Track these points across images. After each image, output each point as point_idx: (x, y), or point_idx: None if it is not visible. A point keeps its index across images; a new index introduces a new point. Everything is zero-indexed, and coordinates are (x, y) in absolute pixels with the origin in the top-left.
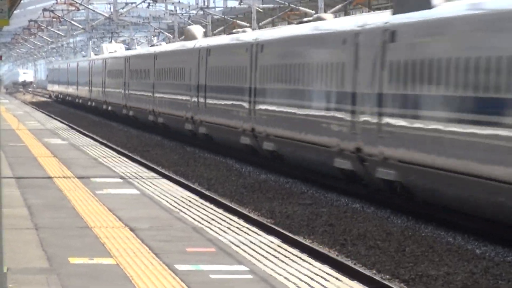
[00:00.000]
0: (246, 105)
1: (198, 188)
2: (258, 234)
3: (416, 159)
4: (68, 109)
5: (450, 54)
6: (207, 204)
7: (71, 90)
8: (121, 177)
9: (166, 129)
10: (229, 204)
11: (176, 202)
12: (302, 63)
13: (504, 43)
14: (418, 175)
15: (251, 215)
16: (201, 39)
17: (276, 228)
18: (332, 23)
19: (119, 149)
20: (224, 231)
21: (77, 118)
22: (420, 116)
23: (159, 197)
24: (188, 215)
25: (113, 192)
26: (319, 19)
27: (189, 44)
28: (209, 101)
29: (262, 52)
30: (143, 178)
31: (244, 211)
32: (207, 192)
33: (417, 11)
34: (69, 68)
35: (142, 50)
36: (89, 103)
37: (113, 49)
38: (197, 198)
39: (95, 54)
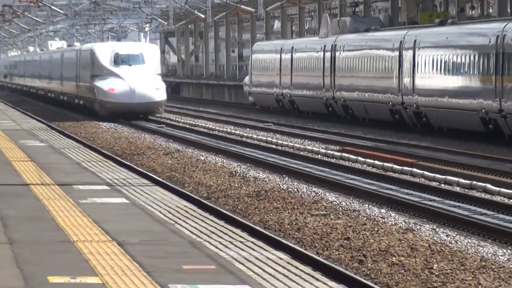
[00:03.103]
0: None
1: (196, 197)
2: (264, 249)
3: None
4: (48, 107)
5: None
6: (206, 215)
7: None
8: (108, 184)
9: None
10: (231, 215)
11: (171, 213)
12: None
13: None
14: None
15: (257, 227)
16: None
17: (285, 242)
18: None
19: (105, 152)
20: (226, 246)
21: (58, 117)
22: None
23: (152, 207)
24: (185, 228)
25: (98, 202)
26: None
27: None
28: None
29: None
30: (133, 185)
31: (249, 223)
32: (206, 202)
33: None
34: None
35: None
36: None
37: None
38: (195, 208)
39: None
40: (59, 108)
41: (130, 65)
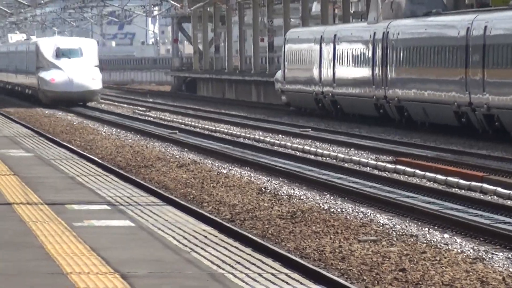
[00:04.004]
0: None
1: (217, 219)
2: (301, 283)
3: None
4: (33, 109)
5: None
6: (230, 241)
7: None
8: (109, 203)
9: None
10: (260, 241)
11: (186, 238)
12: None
13: None
14: None
15: (292, 256)
16: None
17: (327, 274)
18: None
19: (105, 164)
20: (254, 279)
21: (47, 121)
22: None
23: (162, 231)
24: (203, 257)
25: (97, 225)
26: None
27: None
28: None
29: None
30: (139, 204)
31: (282, 251)
32: (229, 225)
33: None
34: None
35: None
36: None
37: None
38: (215, 232)
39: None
40: (49, 110)
41: (69, 58)
